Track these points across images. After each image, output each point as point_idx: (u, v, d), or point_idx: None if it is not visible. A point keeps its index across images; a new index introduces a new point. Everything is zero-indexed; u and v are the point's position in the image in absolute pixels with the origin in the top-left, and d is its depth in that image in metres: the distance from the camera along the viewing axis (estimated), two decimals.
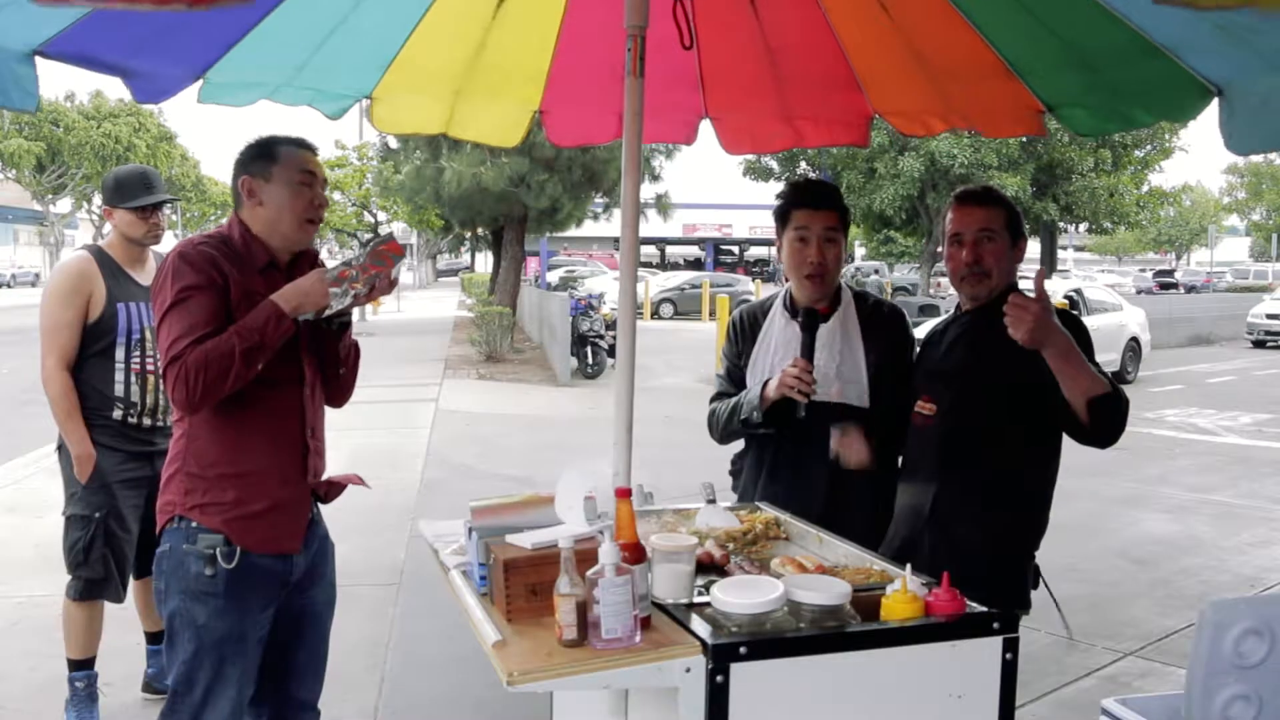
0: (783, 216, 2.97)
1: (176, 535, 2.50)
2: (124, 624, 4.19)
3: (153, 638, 4.04)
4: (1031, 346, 2.37)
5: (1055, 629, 4.78)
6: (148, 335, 3.68)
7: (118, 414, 3.66)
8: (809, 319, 2.83)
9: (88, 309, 3.61)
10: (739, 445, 3.19)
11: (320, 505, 2.75)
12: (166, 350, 2.39)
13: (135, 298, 3.69)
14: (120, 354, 3.65)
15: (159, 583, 2.56)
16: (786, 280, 3.09)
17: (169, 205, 3.91)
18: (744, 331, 3.13)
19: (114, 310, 3.63)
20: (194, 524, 2.48)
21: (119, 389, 3.65)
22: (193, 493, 2.49)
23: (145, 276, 3.77)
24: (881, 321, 3.01)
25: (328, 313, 2.47)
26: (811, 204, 2.92)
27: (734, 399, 3.02)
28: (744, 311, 3.21)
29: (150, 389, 3.71)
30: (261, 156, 2.56)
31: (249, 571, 2.50)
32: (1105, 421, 2.43)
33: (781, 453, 2.97)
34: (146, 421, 3.72)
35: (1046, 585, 2.75)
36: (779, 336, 3.03)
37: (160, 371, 3.58)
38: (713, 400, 3.16)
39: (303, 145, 2.61)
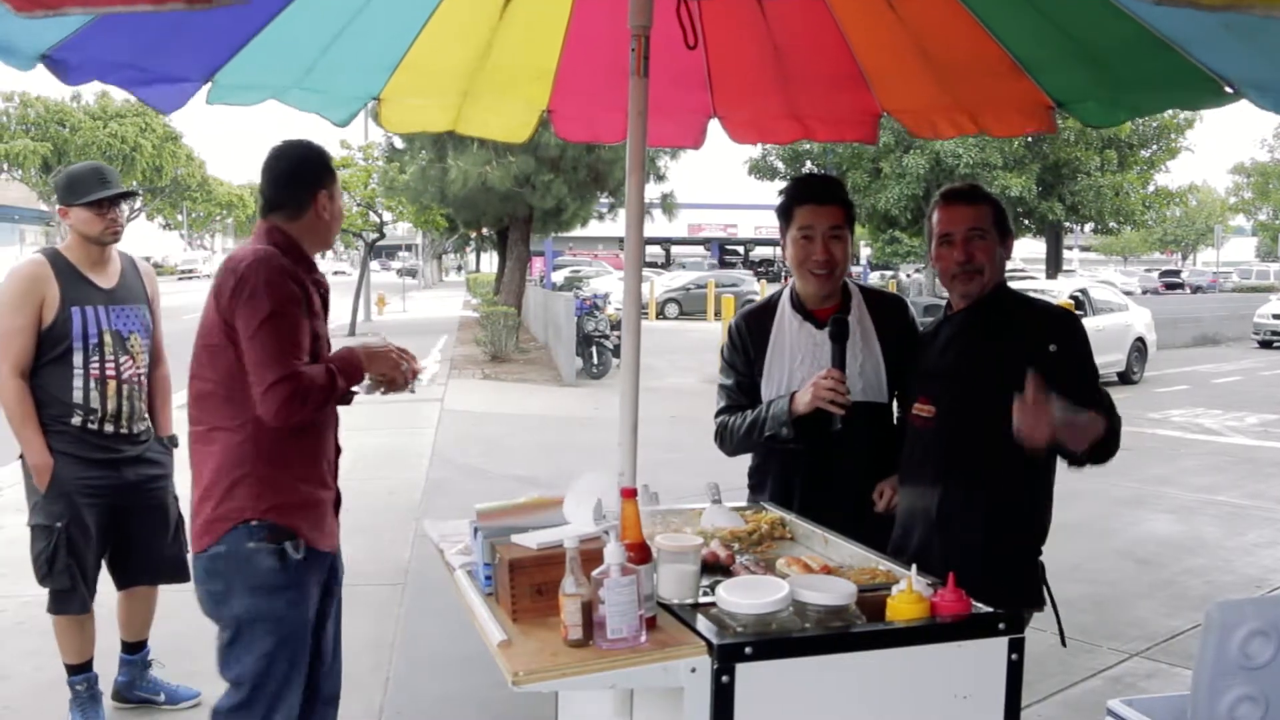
0: (786, 213, 2.90)
1: (239, 536, 2.53)
2: None
3: (129, 648, 3.99)
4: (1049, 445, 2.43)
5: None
6: (107, 339, 3.56)
7: (77, 420, 3.53)
8: (838, 327, 2.74)
9: (41, 314, 3.49)
10: (748, 457, 3.11)
11: None
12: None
13: (93, 301, 3.57)
14: (78, 359, 3.52)
15: (216, 585, 2.56)
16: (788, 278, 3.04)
17: (126, 200, 3.76)
18: (751, 338, 3.00)
19: (68, 315, 3.50)
20: (256, 522, 2.52)
21: (77, 395, 3.52)
22: (263, 496, 2.53)
23: (107, 279, 3.64)
24: (887, 313, 2.97)
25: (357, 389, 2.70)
26: (815, 199, 2.86)
27: (751, 412, 2.91)
28: (746, 316, 3.08)
29: (112, 395, 3.57)
30: (329, 170, 2.72)
31: (312, 564, 2.63)
32: (1102, 454, 2.53)
33: (815, 463, 2.86)
34: (109, 428, 3.59)
35: (1048, 588, 2.74)
36: (793, 340, 2.93)
37: (127, 378, 3.61)
38: (720, 413, 3.04)
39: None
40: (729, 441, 3.01)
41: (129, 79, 2.94)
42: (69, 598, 3.61)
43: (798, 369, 2.88)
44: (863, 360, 2.87)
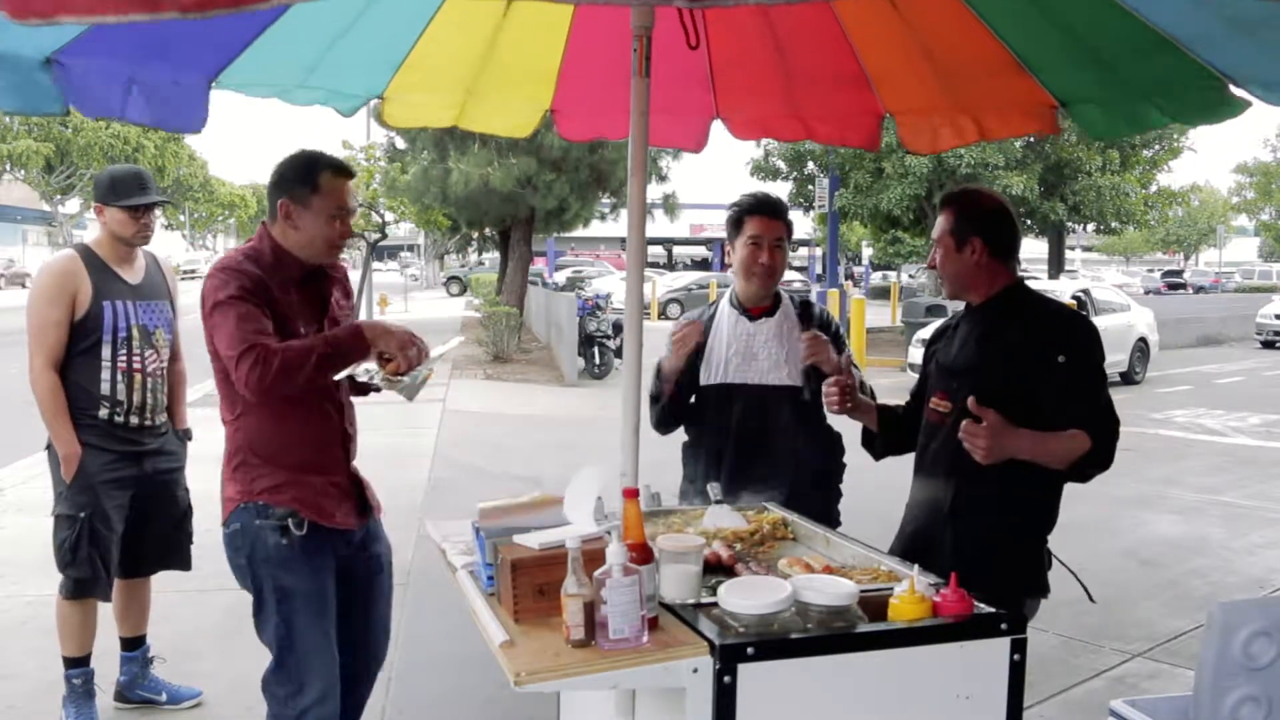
0: (737, 224, 3.27)
1: (247, 514, 2.73)
2: None
3: (128, 644, 4.01)
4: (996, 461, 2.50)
5: (1064, 630, 4.79)
6: (135, 333, 3.66)
7: (104, 413, 3.63)
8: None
9: (74, 307, 3.59)
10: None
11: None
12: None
13: (122, 296, 3.67)
14: (106, 352, 3.62)
15: (239, 558, 2.75)
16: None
17: (160, 208, 3.90)
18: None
19: (99, 309, 3.60)
20: (257, 503, 2.72)
21: (105, 387, 3.62)
22: (257, 480, 2.73)
23: (134, 275, 3.75)
24: (806, 314, 3.33)
25: (347, 372, 2.75)
26: (764, 213, 3.25)
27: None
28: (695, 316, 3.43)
29: (137, 388, 3.67)
30: (303, 182, 2.73)
31: (320, 540, 2.76)
32: (1088, 471, 2.59)
33: (746, 435, 3.18)
34: (134, 420, 3.68)
35: (1063, 563, 2.78)
36: (729, 332, 3.27)
37: (151, 372, 3.72)
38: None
39: (342, 171, 2.79)
40: (652, 414, 3.32)
41: (139, 106, 2.95)
42: (92, 585, 3.70)
43: (732, 357, 3.25)
44: (787, 350, 3.22)
